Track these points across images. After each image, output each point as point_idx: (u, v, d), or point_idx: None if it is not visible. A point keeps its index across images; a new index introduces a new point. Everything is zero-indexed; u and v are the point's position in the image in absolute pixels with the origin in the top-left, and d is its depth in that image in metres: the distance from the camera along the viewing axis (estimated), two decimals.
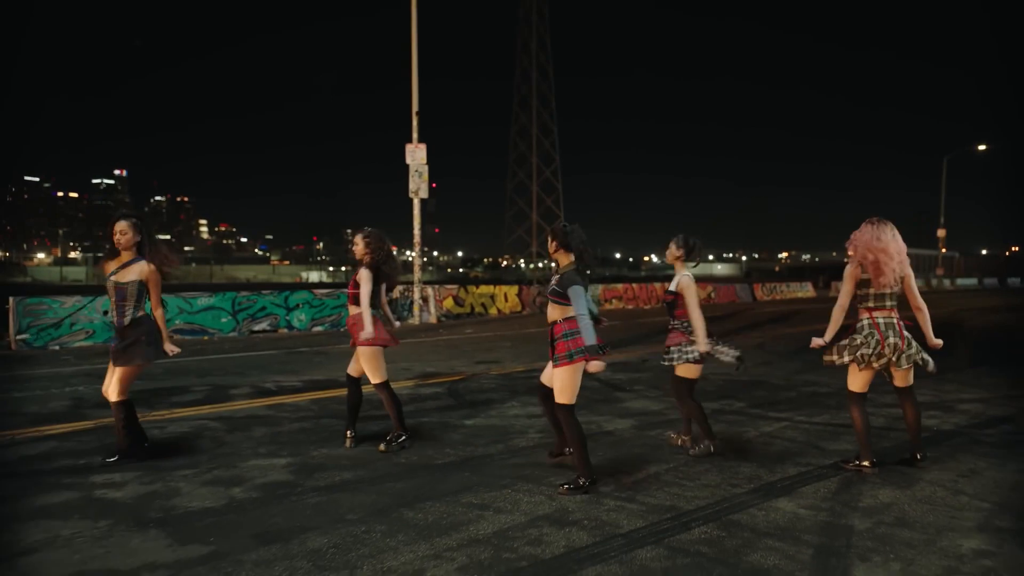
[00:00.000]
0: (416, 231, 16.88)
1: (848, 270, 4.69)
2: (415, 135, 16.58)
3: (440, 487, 4.40)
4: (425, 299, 17.44)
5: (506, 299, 20.29)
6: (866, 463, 4.73)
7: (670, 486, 4.44)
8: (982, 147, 44.50)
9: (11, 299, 11.31)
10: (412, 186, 16.50)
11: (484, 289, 19.83)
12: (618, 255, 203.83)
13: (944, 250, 51.81)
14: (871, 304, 4.67)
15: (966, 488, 4.44)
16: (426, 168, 16.53)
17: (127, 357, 4.79)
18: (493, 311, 19.75)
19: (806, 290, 34.49)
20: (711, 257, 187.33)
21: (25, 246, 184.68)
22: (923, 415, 5.64)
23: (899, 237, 4.67)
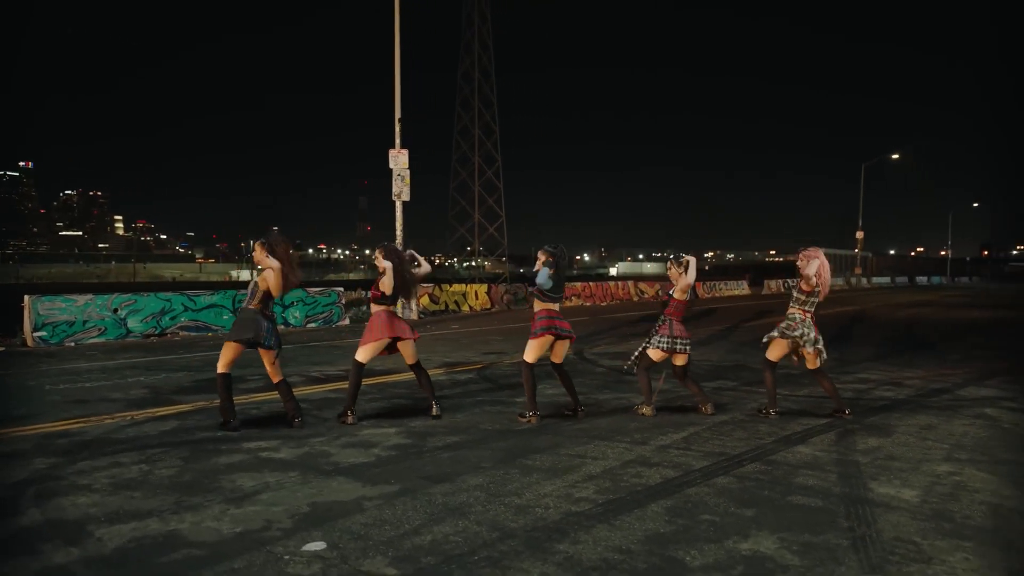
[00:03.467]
0: (398, 232, 17.72)
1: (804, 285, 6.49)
2: (397, 141, 17.43)
3: (536, 444, 5.50)
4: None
5: (477, 297, 21.35)
6: (772, 411, 6.54)
7: (712, 441, 5.68)
8: (895, 156, 48.42)
9: (27, 297, 11.63)
10: (395, 189, 17.34)
11: (457, 287, 20.83)
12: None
13: (858, 251, 55.81)
14: (807, 308, 6.54)
15: (929, 436, 5.87)
16: (408, 172, 17.41)
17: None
18: (465, 308, 20.78)
19: (742, 288, 36.97)
20: (640, 256, 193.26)
21: None
22: (879, 389, 7.67)
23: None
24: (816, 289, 6.45)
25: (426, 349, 11.73)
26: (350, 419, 6.16)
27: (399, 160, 17.29)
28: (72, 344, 11.86)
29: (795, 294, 6.55)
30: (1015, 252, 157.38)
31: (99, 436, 5.67)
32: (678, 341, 6.44)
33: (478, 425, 6.16)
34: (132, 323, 12.70)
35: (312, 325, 15.52)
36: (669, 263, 6.76)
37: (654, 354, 6.50)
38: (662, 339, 6.46)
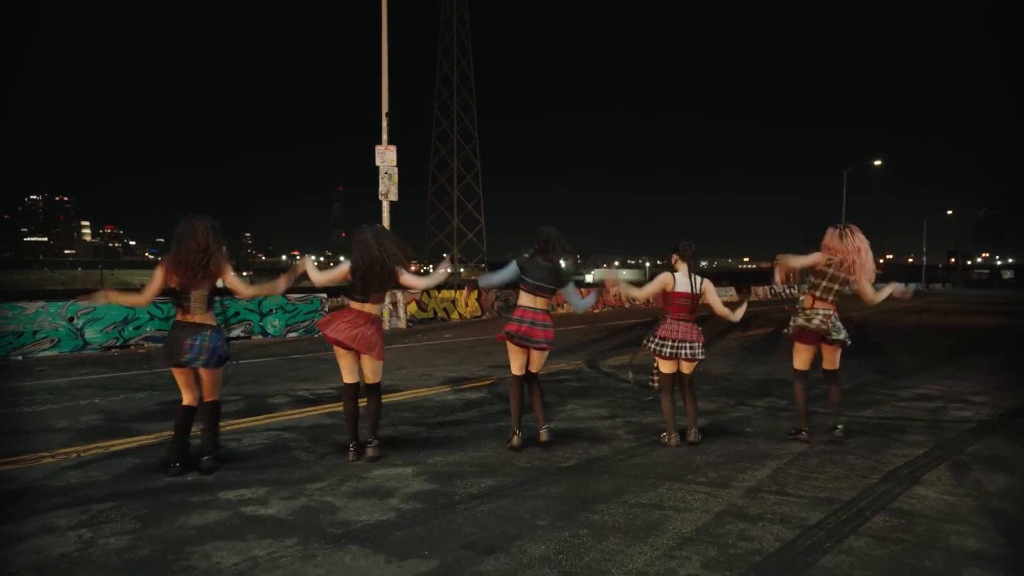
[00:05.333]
0: None
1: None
2: (385, 136, 16.23)
3: (594, 489, 4.37)
4: (395, 304, 17.07)
5: (466, 304, 20.15)
6: (803, 432, 5.61)
7: (806, 480, 4.60)
8: (877, 162, 48.25)
9: None
10: (382, 188, 16.13)
11: (446, 294, 19.62)
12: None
13: None
14: (818, 294, 5.53)
15: None
16: (395, 170, 16.21)
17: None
18: (455, 315, 19.58)
19: (730, 295, 36.23)
20: (616, 263, 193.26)
21: None
22: (951, 408, 6.96)
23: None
24: (828, 270, 5.40)
25: (424, 362, 10.53)
26: (360, 454, 4.98)
27: (386, 156, 16.08)
28: (19, 358, 10.43)
29: (811, 279, 5.64)
30: (980, 260, 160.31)
31: (31, 484, 4.40)
32: (677, 344, 5.32)
33: (512, 461, 5.00)
34: (90, 333, 11.28)
35: (293, 335, 14.21)
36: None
37: (662, 365, 5.44)
38: (652, 340, 5.41)
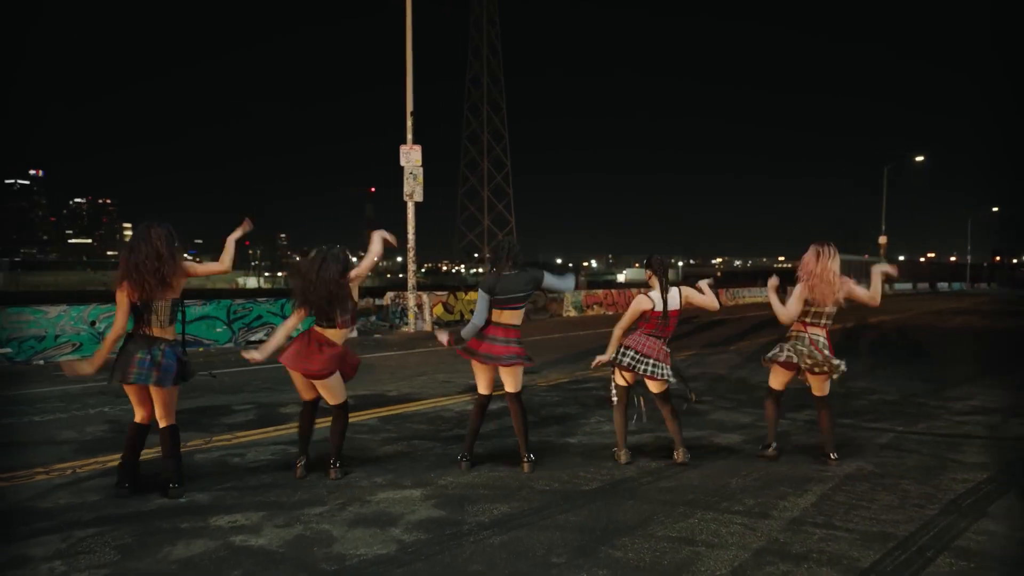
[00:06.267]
0: (410, 236, 16.23)
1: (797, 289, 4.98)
2: (409, 136, 15.96)
3: (618, 518, 3.96)
4: (420, 306, 16.80)
5: None
6: (771, 448, 5.22)
7: (856, 510, 4.13)
8: (919, 158, 46.67)
9: None
10: (407, 189, 15.86)
11: (472, 295, 19.29)
12: (559, 260, 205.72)
13: (882, 256, 54.00)
14: (807, 319, 5.00)
15: None
16: (421, 170, 15.93)
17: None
18: None
19: (765, 295, 35.27)
20: (644, 262, 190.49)
21: None
22: (1009, 424, 6.38)
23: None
24: (812, 296, 4.92)
25: (448, 367, 10.20)
26: (306, 472, 4.68)
27: (411, 156, 15.81)
28: (41, 362, 10.38)
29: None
30: None
31: (17, 504, 4.15)
32: (639, 358, 4.92)
33: (529, 483, 4.62)
34: None
35: None
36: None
37: (618, 376, 5.11)
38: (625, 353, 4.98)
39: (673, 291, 4.98)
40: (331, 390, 4.66)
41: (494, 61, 68.47)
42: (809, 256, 4.96)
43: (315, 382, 4.63)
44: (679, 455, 5.05)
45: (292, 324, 4.65)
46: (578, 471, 4.89)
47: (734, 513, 4.06)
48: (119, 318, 4.22)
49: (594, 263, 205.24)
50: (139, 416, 4.38)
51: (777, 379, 5.22)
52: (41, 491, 4.40)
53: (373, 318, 16.92)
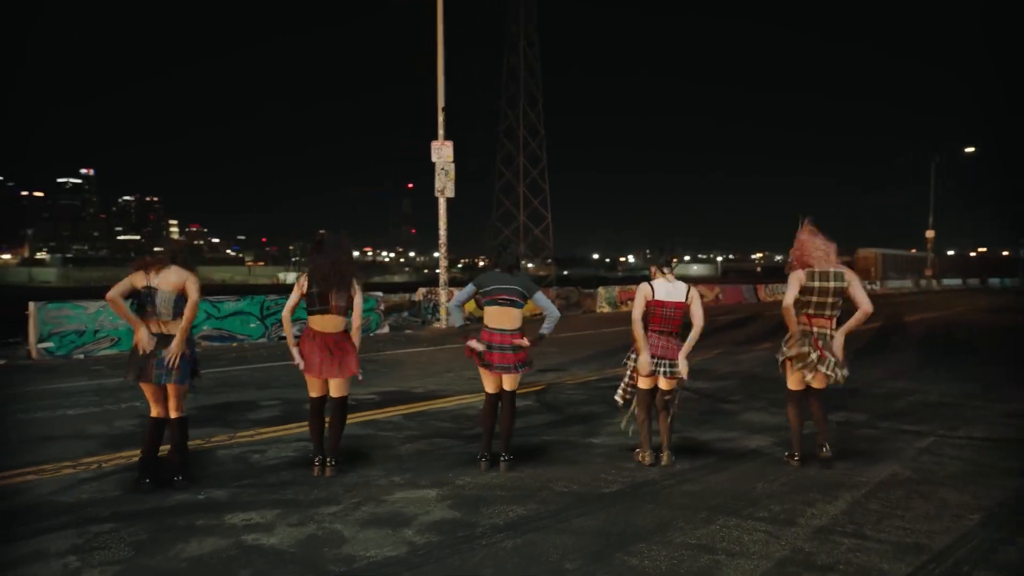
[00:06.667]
0: (441, 232, 16.24)
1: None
2: (441, 132, 15.95)
3: (636, 523, 3.85)
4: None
5: None
6: (795, 457, 4.96)
7: (889, 519, 3.94)
8: (970, 149, 45.11)
9: (31, 304, 10.44)
10: (438, 184, 15.86)
11: None
12: (596, 256, 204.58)
13: (929, 251, 52.35)
14: (810, 311, 4.80)
15: None
16: (452, 166, 15.90)
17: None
18: None
19: None
20: (687, 258, 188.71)
21: None
22: None
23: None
24: (814, 283, 4.73)
25: (475, 365, 10.13)
26: (323, 470, 4.68)
27: (443, 152, 15.80)
28: (81, 356, 10.64)
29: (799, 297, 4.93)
30: None
31: (39, 499, 4.21)
32: (657, 361, 4.81)
33: (549, 484, 4.52)
34: None
35: None
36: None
37: (641, 381, 4.98)
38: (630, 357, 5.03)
39: (680, 284, 4.88)
40: (341, 384, 4.71)
41: (531, 53, 67.75)
42: (804, 236, 4.82)
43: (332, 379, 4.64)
44: (664, 458, 4.93)
45: (294, 302, 4.67)
46: (599, 473, 4.78)
47: (758, 520, 3.91)
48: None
49: (631, 258, 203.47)
50: (156, 411, 4.43)
51: (795, 377, 4.99)
52: (66, 485, 4.47)
53: (405, 314, 16.97)
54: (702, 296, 4.99)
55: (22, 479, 4.60)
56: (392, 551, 3.46)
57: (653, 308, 4.83)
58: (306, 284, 4.64)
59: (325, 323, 4.62)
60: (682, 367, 4.81)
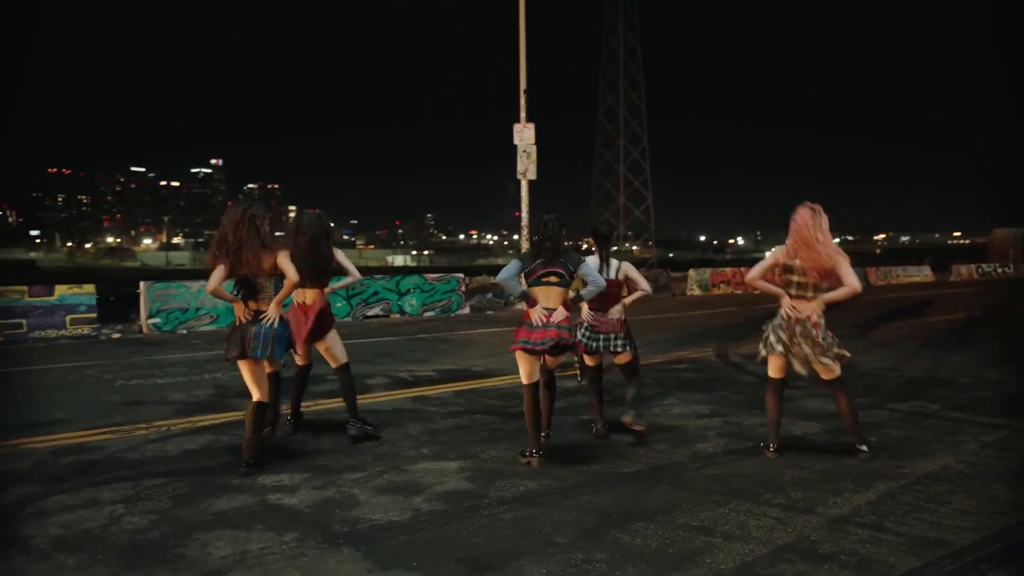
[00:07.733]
0: (524, 214, 16.38)
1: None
2: (523, 114, 16.03)
3: (644, 503, 3.85)
4: None
5: None
6: (771, 447, 4.68)
7: (916, 512, 3.72)
8: None
9: (142, 284, 11.53)
10: (520, 167, 15.99)
11: None
12: (703, 238, 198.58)
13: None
14: (792, 291, 4.50)
15: None
16: (534, 148, 15.98)
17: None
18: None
19: (924, 274, 32.01)
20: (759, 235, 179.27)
21: (133, 233, 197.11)
22: None
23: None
24: (793, 262, 4.41)
25: None
26: (351, 429, 5.06)
27: (524, 135, 15.89)
28: (184, 332, 11.64)
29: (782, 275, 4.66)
30: None
31: (111, 455, 4.73)
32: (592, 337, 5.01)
33: (574, 463, 4.58)
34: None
35: (429, 314, 14.58)
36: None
37: (587, 359, 5.21)
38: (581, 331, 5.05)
39: (612, 262, 4.94)
40: (332, 350, 5.12)
41: (631, 36, 66.39)
42: (802, 216, 4.40)
43: (317, 345, 5.08)
44: (597, 428, 5.18)
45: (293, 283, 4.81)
46: (627, 452, 4.79)
47: (773, 506, 3.80)
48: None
49: (740, 240, 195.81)
50: (257, 395, 4.45)
51: (775, 363, 4.63)
52: (135, 444, 4.99)
53: (490, 295, 17.30)
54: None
55: (102, 437, 5.17)
56: (397, 516, 3.65)
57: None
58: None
59: (306, 295, 5.00)
60: None
